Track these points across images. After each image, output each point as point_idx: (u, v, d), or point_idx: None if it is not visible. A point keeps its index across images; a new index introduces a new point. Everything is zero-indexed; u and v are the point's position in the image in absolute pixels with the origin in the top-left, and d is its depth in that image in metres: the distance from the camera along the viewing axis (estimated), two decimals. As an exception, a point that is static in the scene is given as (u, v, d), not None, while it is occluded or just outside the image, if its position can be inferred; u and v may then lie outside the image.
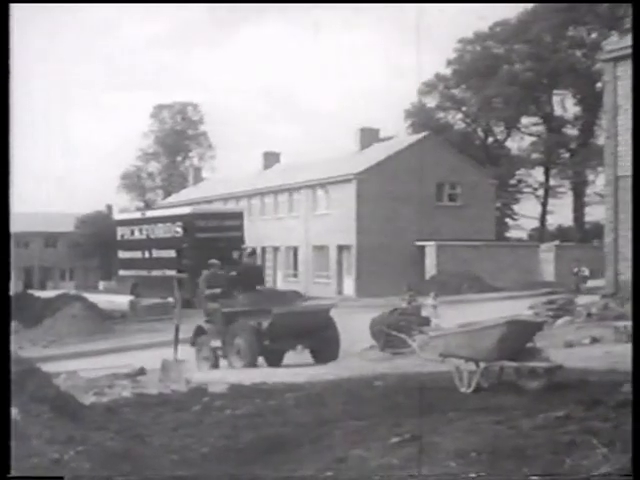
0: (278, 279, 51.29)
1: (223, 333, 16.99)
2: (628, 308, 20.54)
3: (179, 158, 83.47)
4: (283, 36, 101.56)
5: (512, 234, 60.61)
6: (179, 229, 39.43)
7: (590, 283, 31.40)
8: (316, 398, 10.30)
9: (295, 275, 49.84)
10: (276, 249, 51.84)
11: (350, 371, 13.36)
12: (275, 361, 16.54)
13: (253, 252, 20.23)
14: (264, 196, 53.81)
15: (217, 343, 17.09)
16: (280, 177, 53.98)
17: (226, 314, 17.11)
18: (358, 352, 17.20)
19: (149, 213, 46.10)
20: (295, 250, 50.15)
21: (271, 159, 60.06)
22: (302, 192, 50.17)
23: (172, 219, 40.39)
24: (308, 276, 47.57)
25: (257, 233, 48.42)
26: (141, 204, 78.58)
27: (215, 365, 17.14)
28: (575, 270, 31.79)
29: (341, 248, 44.69)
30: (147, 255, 40.79)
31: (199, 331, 17.67)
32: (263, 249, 52.52)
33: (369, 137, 51.25)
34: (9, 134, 7.60)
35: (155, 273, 39.05)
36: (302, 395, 10.55)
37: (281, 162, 60.24)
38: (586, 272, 30.51)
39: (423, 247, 42.34)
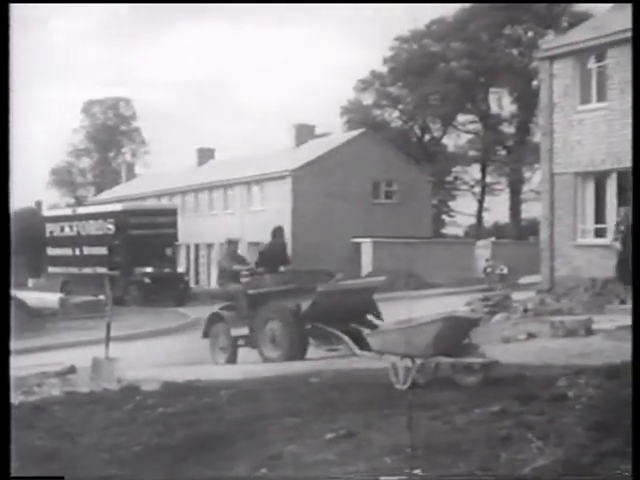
0: (213, 276, 51.05)
1: (251, 318, 15.44)
2: (564, 303, 20.90)
3: (111, 154, 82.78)
4: (219, 33, 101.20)
5: (449, 231, 61.29)
6: (111, 226, 39.11)
7: (525, 279, 31.73)
8: (251, 395, 10.28)
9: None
10: (210, 246, 51.63)
11: (286, 367, 13.35)
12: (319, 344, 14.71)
13: (279, 230, 17.74)
14: (198, 192, 53.57)
15: (240, 331, 15.63)
16: (215, 173, 53.80)
17: (253, 296, 15.54)
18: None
19: (80, 210, 45.68)
20: (229, 247, 49.88)
21: (205, 155, 59.86)
22: (237, 188, 50.07)
23: (104, 216, 40.05)
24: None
25: (191, 230, 48.19)
26: (72, 200, 77.71)
27: (233, 357, 15.83)
28: (489, 270, 31.82)
29: (292, 244, 44.64)
30: (78, 252, 40.38)
31: (214, 319, 16.32)
32: (197, 246, 52.30)
33: (305, 133, 51.35)
34: (9, 134, 7.50)
35: (86, 270, 38.68)
36: (237, 392, 10.52)
37: (215, 158, 60.04)
38: (504, 270, 30.60)
39: (359, 244, 42.52)
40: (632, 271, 7.38)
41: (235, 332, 15.73)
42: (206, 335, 16.42)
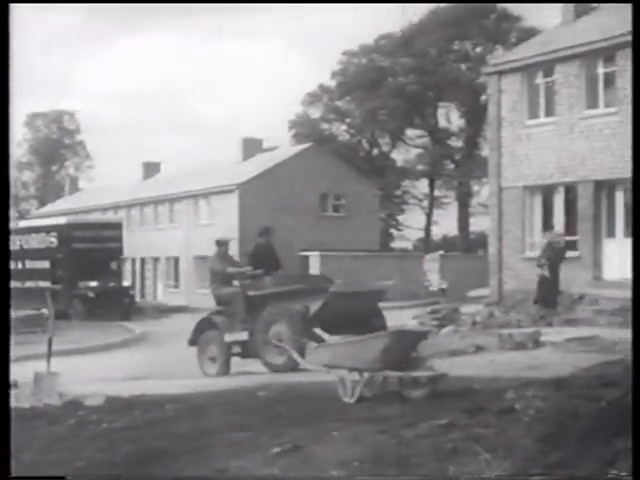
0: (159, 290, 50.76)
1: (251, 323, 14.63)
2: (513, 316, 21.08)
3: (54, 167, 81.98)
4: (165, 44, 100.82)
5: (397, 244, 61.54)
6: (54, 239, 38.78)
7: (473, 292, 31.93)
8: (197, 409, 10.21)
9: (176, 286, 49.42)
10: (156, 260, 51.32)
11: (234, 381, 13.28)
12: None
13: (267, 230, 16.73)
14: (144, 206, 53.27)
15: (237, 336, 14.74)
16: (161, 187, 53.56)
17: (253, 298, 14.71)
18: (242, 361, 17.05)
19: (22, 223, 45.20)
20: (176, 261, 49.74)
21: (151, 169, 59.57)
22: (184, 202, 49.86)
23: (47, 229, 39.70)
24: (190, 287, 47.23)
25: (137, 244, 47.86)
26: (14, 214, 76.77)
27: (226, 368, 14.95)
28: (426, 284, 31.85)
29: (224, 259, 44.51)
30: (20, 266, 39.89)
31: (204, 325, 15.43)
32: (143, 260, 51.95)
33: (252, 147, 51.38)
34: (9, 134, 7.40)
35: (28, 284, 38.21)
36: (183, 407, 10.44)
37: (162, 172, 59.76)
38: (444, 285, 30.65)
39: (307, 257, 42.51)
40: (633, 273, 7.21)
41: (230, 337, 14.85)
42: (193, 343, 15.58)
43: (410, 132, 61.83)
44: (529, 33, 45.84)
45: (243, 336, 14.74)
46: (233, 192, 45.33)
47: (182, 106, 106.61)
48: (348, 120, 62.43)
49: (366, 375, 10.25)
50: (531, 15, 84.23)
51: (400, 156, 62.84)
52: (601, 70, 25.25)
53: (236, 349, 15.02)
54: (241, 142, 51.09)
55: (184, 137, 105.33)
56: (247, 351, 14.90)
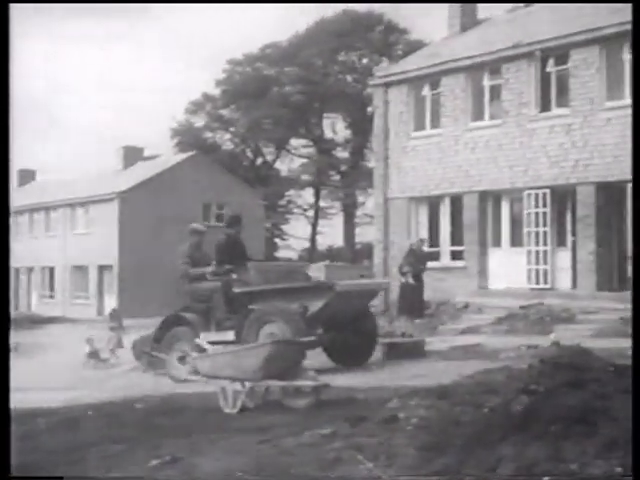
0: (33, 301, 49.69)
1: (234, 321, 13.58)
2: (398, 325, 21.26)
3: None
4: (39, 48, 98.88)
5: (282, 254, 61.61)
6: None
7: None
8: (72, 422, 9.98)
9: (52, 296, 48.46)
10: (30, 269, 50.22)
11: (112, 393, 13.04)
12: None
13: (236, 220, 15.52)
14: (18, 215, 52.09)
15: (220, 336, 13.45)
16: (36, 195, 52.49)
17: (237, 295, 13.66)
18: (121, 373, 16.81)
19: None
20: (51, 270, 48.79)
21: (26, 176, 58.31)
22: (60, 210, 48.94)
23: None
24: (66, 297, 46.37)
25: (11, 253, 46.75)
26: None
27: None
28: None
29: (102, 268, 43.87)
30: None
31: (172, 322, 14.24)
32: (17, 270, 50.79)
33: (133, 155, 50.88)
34: (9, 133, 7.12)
35: None
36: (56, 419, 10.19)
37: (37, 180, 58.59)
38: None
39: (190, 269, 42.20)
40: (633, 273, 7.15)
41: (207, 338, 13.26)
42: (158, 341, 14.35)
43: (295, 142, 62.16)
44: (415, 46, 46.54)
45: (228, 336, 13.55)
46: (112, 201, 44.73)
47: (60, 112, 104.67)
48: (232, 129, 62.34)
49: (248, 385, 10.21)
50: (417, 28, 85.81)
51: (285, 166, 63.10)
52: (487, 83, 25.77)
53: None
54: (121, 150, 50.52)
55: (61, 145, 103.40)
56: None
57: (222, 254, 14.46)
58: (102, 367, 18.68)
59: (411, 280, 22.85)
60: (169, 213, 44.11)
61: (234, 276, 14.11)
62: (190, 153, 50.63)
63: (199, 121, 62.64)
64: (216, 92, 61.23)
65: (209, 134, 62.71)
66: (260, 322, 13.41)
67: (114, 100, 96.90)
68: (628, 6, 22.74)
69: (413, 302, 22.67)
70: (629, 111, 22.14)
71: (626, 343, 12.62)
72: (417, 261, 23.22)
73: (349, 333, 13.56)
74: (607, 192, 23.27)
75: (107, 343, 20.90)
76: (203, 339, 13.02)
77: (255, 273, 14.04)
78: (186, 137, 61.30)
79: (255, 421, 9.34)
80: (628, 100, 22.43)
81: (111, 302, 42.33)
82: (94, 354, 19.75)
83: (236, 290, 13.78)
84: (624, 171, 22.25)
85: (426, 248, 24.52)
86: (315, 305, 13.25)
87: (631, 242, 6.44)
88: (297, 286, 13.76)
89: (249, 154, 63.71)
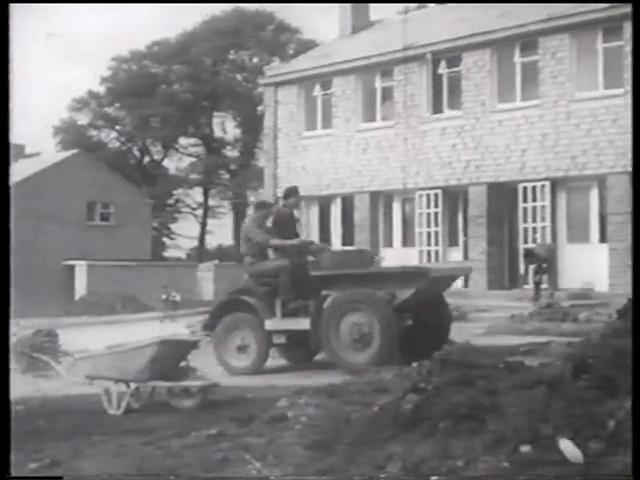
0: None
1: (315, 310, 12.16)
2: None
3: None
4: None
5: (171, 254, 61.18)
6: None
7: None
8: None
9: None
10: None
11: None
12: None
13: (294, 191, 13.96)
14: None
15: (293, 325, 12.34)
16: None
17: (311, 279, 12.20)
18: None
19: None
20: None
21: None
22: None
23: None
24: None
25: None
26: None
27: (262, 360, 12.65)
28: (164, 297, 31.89)
29: (-18, 268, 42.92)
30: None
31: (229, 307, 13.01)
32: None
33: (14, 153, 49.71)
34: (9, 133, 7.27)
35: None
36: None
37: None
38: (177, 297, 30.65)
39: (73, 267, 41.54)
40: (633, 273, 6.89)
41: (276, 326, 12.44)
42: (210, 328, 13.31)
43: (184, 141, 61.74)
44: (307, 46, 46.72)
45: (303, 324, 12.27)
46: (-8, 198, 43.76)
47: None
48: (118, 127, 61.60)
49: (133, 386, 10.09)
50: (309, 28, 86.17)
51: (173, 165, 62.65)
52: (379, 84, 26.02)
53: (280, 339, 12.60)
54: (1, 147, 49.47)
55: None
56: (304, 344, 12.47)
57: (277, 229, 13.12)
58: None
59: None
60: (50, 212, 43.33)
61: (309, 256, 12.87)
62: (73, 151, 49.84)
63: (83, 119, 61.73)
64: (101, 90, 60.46)
65: (94, 132, 61.84)
66: (342, 310, 11.99)
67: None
68: (517, 9, 23.32)
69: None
70: (520, 113, 22.92)
71: (517, 340, 12.92)
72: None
73: (424, 324, 12.10)
74: (498, 192, 23.73)
75: None
76: (270, 325, 12.47)
77: (330, 255, 12.92)
78: (69, 135, 60.31)
79: (140, 422, 9.25)
80: (519, 102, 23.00)
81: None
82: None
83: (315, 273, 12.32)
84: (515, 172, 22.78)
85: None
86: (404, 293, 11.71)
87: (632, 241, 6.47)
88: (385, 271, 12.57)
89: (136, 153, 63.06)
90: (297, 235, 13.73)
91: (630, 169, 20.67)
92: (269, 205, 14.25)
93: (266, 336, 12.54)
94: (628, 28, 20.89)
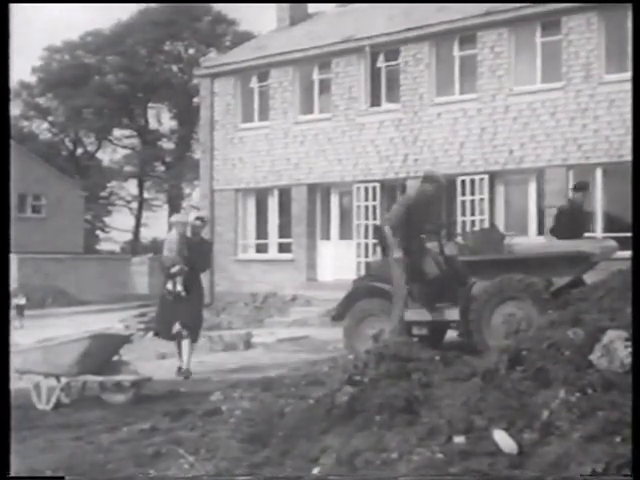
0: None
1: (464, 298, 11.16)
2: (224, 318, 21.24)
3: None
4: None
5: (104, 247, 60.71)
6: None
7: None
8: None
9: None
10: None
11: None
12: None
13: (585, 186, 13.32)
14: None
15: (441, 315, 11.36)
16: None
17: (457, 265, 11.27)
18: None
19: None
20: None
21: None
22: None
23: None
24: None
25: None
26: None
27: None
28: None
29: None
30: None
31: (363, 293, 12.05)
32: None
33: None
34: (9, 132, 7.02)
35: None
36: None
37: None
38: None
39: (1, 260, 41.00)
40: (632, 272, 6.48)
41: (418, 316, 11.43)
42: (340, 317, 12.42)
43: (118, 132, 61.24)
44: (244, 37, 46.63)
45: (452, 315, 11.36)
46: None
47: None
48: (50, 118, 60.89)
49: (64, 380, 10.02)
50: (246, 20, 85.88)
51: (107, 156, 62.12)
52: (316, 77, 26.01)
53: (422, 330, 11.67)
54: None
55: None
56: (462, 330, 11.42)
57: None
58: None
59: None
60: (-19, 204, 42.76)
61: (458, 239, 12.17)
62: (4, 142, 49.25)
63: (14, 109, 60.84)
64: (32, 80, 59.67)
65: (25, 123, 61.04)
66: (498, 299, 10.99)
67: None
68: (455, 4, 23.47)
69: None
70: (458, 106, 23.08)
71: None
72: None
73: None
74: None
75: None
76: (412, 315, 11.43)
77: (480, 236, 12.01)
78: (-5, 125, 59.42)
79: (70, 417, 9.21)
80: (458, 96, 23.16)
81: None
82: None
83: (463, 258, 11.49)
84: (453, 165, 22.93)
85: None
86: (562, 280, 10.76)
87: (632, 239, 6.48)
88: (542, 255, 11.33)
89: (68, 144, 62.41)
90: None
91: (568, 162, 21.08)
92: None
93: (405, 326, 11.38)
94: (566, 22, 21.20)
